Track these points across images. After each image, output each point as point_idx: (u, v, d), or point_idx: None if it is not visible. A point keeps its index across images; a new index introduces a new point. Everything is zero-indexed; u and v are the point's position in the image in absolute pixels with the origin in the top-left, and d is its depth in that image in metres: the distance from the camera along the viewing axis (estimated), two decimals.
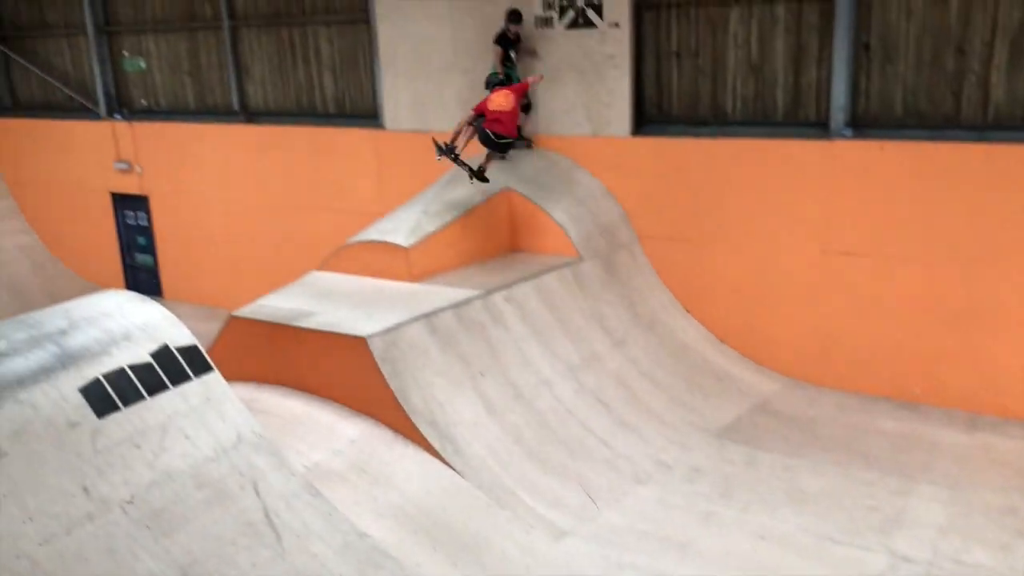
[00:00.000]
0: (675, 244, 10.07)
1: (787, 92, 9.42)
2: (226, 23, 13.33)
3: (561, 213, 9.97)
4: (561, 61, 10.40)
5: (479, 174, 9.71)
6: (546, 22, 10.39)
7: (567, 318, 8.97)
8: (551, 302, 8.97)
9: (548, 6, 10.32)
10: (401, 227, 9.41)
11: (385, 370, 7.10)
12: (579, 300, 9.27)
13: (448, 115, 11.27)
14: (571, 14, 10.20)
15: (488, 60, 10.43)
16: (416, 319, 7.66)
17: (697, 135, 9.84)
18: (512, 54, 10.34)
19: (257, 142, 13.40)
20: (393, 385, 7.06)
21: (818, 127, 9.23)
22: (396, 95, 11.83)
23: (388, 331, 7.33)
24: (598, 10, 10.01)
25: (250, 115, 13.58)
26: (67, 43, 15.45)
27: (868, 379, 9.12)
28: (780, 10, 9.24)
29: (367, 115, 12.38)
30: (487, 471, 6.98)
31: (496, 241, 10.21)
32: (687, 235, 9.97)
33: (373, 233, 9.54)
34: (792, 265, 9.43)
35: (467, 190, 10.07)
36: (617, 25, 9.95)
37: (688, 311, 10.06)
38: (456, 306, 8.09)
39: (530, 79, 9.93)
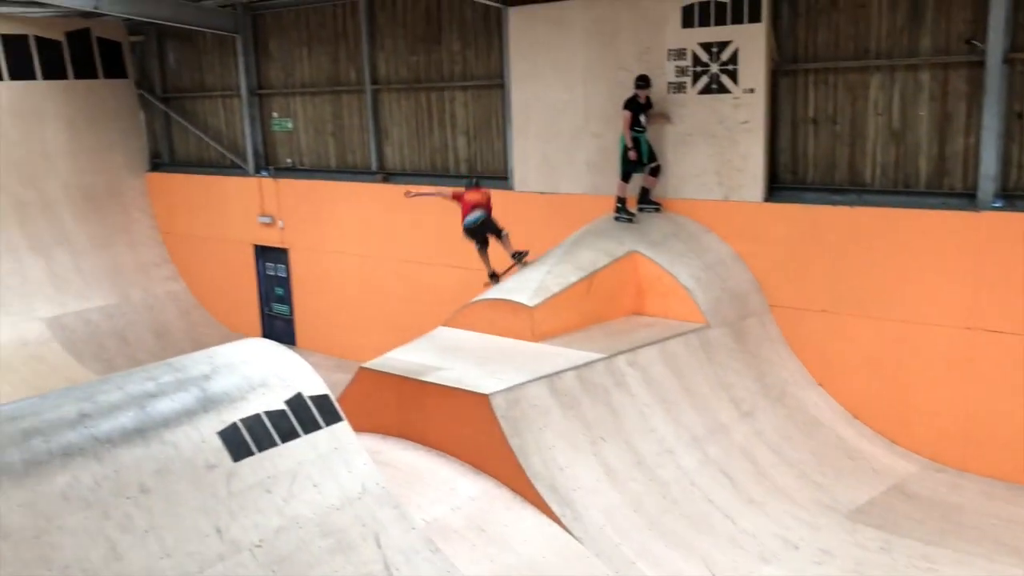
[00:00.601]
0: (808, 314, 9.74)
1: (931, 161, 9.07)
2: (368, 87, 13.99)
3: (688, 277, 9.84)
4: (692, 126, 10.38)
5: (519, 258, 10.45)
6: (679, 87, 10.41)
7: (692, 386, 8.77)
8: (676, 368, 8.81)
9: (681, 72, 10.36)
10: (526, 287, 9.50)
11: (506, 429, 7.11)
12: (705, 368, 9.07)
13: (576, 178, 11.41)
14: (705, 80, 10.19)
15: (618, 124, 10.52)
16: (538, 379, 7.67)
17: (834, 203, 9.57)
18: (642, 118, 10.40)
19: (392, 200, 13.87)
20: (513, 444, 7.06)
21: (964, 198, 8.82)
22: (526, 157, 12.06)
23: (510, 390, 7.36)
24: (733, 76, 9.97)
25: (387, 175, 14.11)
26: (222, 104, 16.56)
27: (1018, 466, 8.48)
28: (925, 77, 8.95)
29: (497, 176, 12.65)
30: (606, 539, 6.84)
31: (620, 304, 10.15)
32: (821, 305, 9.64)
33: (498, 292, 9.67)
34: (933, 340, 8.95)
35: (592, 252, 10.09)
36: (752, 91, 9.87)
37: (820, 384, 9.67)
38: (578, 368, 8.06)
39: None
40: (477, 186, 10.70)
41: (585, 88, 11.28)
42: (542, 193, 11.91)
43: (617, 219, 10.67)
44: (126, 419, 5.06)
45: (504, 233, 10.40)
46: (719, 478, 7.94)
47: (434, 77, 13.25)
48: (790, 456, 8.59)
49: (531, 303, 9.15)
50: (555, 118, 11.65)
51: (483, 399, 7.20)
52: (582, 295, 9.71)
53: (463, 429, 7.41)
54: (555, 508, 6.88)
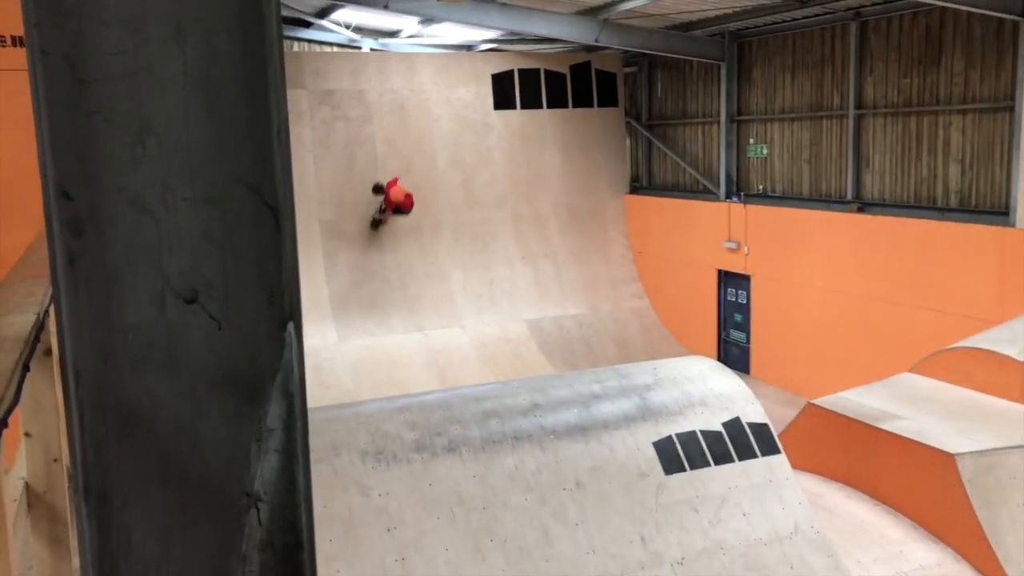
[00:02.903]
0: None
1: None
2: (851, 112, 13.27)
3: None
4: None
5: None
6: None
7: None
8: None
9: None
10: (1018, 337, 8.16)
11: (973, 497, 6.16)
12: None
13: None
14: None
15: None
16: (1022, 447, 6.52)
17: None
18: None
19: (865, 233, 12.99)
20: (981, 517, 6.09)
21: None
22: None
23: (984, 453, 6.36)
24: None
25: (862, 205, 13.25)
26: (701, 131, 17.01)
27: None
28: None
29: (995, 212, 11.12)
30: None
31: None
32: None
33: (982, 341, 8.44)
34: None
35: None
36: None
37: None
38: None
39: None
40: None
41: None
42: None
43: None
44: (571, 415, 5.38)
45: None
46: None
47: (928, 100, 12.10)
48: None
49: (1022, 358, 7.84)
50: None
51: (948, 459, 6.33)
52: None
53: (920, 488, 6.60)
54: None
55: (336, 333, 15.62)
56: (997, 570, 5.94)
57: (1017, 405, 7.61)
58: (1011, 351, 7.95)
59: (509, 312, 16.97)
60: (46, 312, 2.32)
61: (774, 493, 5.59)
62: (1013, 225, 10.69)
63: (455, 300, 16.93)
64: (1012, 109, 10.75)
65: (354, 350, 15.45)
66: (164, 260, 1.59)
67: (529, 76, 17.98)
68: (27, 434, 2.42)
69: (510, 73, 17.89)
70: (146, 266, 1.58)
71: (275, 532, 1.82)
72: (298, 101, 16.18)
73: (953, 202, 11.85)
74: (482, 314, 16.87)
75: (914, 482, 6.64)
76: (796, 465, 6.06)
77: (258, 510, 1.77)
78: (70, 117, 1.56)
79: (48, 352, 2.36)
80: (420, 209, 17.30)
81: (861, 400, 7.74)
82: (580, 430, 5.27)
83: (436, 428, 5.04)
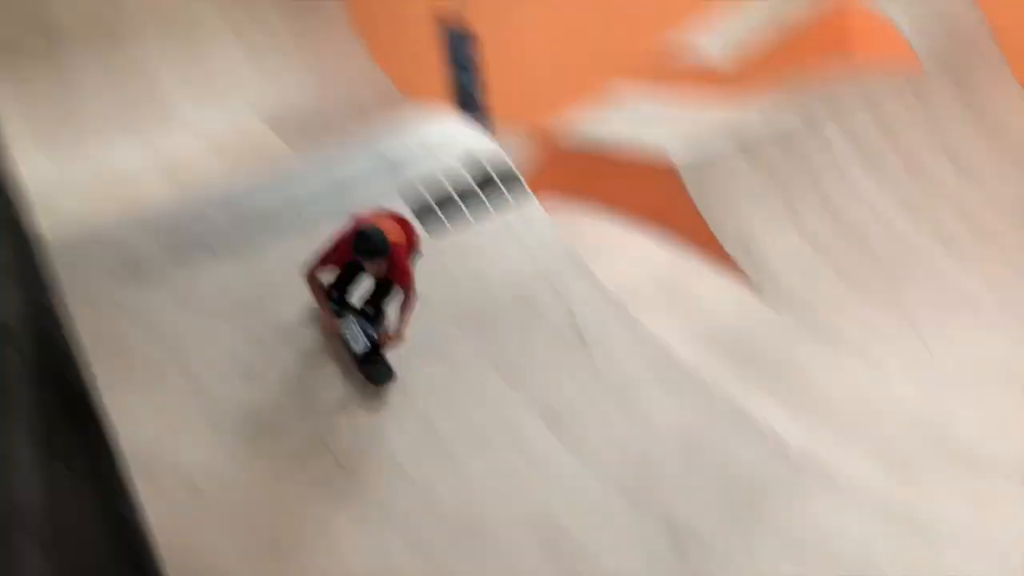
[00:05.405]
0: None
1: None
2: None
3: (902, 15, 8.71)
4: None
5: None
6: None
7: (903, 141, 8.05)
8: (884, 122, 8.07)
9: None
10: (715, 37, 8.82)
11: (696, 197, 6.91)
12: (920, 123, 8.25)
13: None
14: None
15: None
16: (729, 138, 7.28)
17: None
18: None
19: None
20: (704, 211, 6.88)
21: None
22: None
23: (699, 154, 7.07)
24: None
25: None
26: None
27: None
28: None
29: None
30: (804, 304, 6.67)
31: (821, 48, 9.20)
32: None
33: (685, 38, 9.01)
34: None
35: None
36: None
37: None
38: (775, 129, 7.57)
39: None
40: None
41: None
42: None
43: None
44: (330, 203, 5.29)
45: None
46: (933, 240, 7.42)
47: None
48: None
49: (721, 52, 8.51)
50: None
51: (671, 169, 6.98)
52: (776, 40, 8.86)
53: (653, 199, 7.26)
54: (750, 272, 6.74)
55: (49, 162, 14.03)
56: (722, 252, 6.81)
57: (718, 95, 8.34)
58: (712, 48, 8.60)
59: (236, 104, 15.87)
60: None
61: (532, 233, 5.90)
62: None
63: (172, 99, 15.53)
64: None
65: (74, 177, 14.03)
66: None
67: None
68: None
69: None
70: None
71: (32, 361, 1.76)
72: None
73: None
74: (206, 111, 15.65)
75: (648, 195, 7.30)
76: (538, 190, 6.35)
77: (13, 340, 1.70)
78: None
79: None
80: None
81: (593, 129, 8.20)
82: (341, 214, 5.20)
83: (194, 239, 4.85)
